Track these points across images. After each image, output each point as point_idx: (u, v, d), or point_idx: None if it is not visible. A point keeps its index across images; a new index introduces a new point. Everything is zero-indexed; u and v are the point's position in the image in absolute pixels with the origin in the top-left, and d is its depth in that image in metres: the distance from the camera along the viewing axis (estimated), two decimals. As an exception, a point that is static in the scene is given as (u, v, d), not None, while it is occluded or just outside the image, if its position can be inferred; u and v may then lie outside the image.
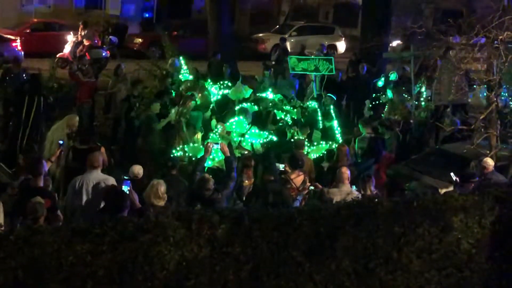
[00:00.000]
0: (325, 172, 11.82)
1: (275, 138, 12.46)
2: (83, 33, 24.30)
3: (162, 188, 8.64)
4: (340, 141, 13.19)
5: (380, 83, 17.51)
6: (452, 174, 10.65)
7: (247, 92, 15.52)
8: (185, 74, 16.54)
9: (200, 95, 14.43)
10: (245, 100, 14.85)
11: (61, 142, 10.71)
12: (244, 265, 6.91)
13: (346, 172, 10.15)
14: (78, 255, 6.18)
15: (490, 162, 10.64)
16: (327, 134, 13.27)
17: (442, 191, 9.69)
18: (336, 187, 10.07)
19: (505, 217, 8.18)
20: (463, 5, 32.11)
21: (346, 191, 9.86)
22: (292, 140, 12.50)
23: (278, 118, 13.76)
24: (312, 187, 9.95)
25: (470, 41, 11.49)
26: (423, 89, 16.63)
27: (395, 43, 26.63)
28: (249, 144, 12.27)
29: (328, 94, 15.68)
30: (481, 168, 10.56)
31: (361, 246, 7.48)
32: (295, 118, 13.90)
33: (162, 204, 8.50)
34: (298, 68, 15.84)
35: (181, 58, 17.01)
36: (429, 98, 16.18)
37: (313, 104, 14.70)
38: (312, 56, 16.63)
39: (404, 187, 11.45)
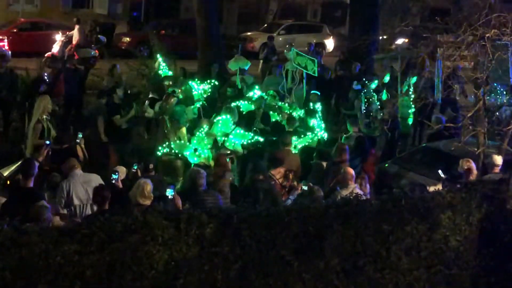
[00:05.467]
0: (328, 170, 11.75)
1: (261, 139, 12.46)
2: (76, 30, 24.42)
3: (148, 187, 8.62)
4: (323, 134, 13.31)
5: (373, 85, 17.47)
6: (440, 171, 10.68)
7: (246, 64, 16.97)
8: (165, 70, 16.47)
9: (180, 90, 14.44)
10: (237, 98, 14.90)
11: (47, 142, 10.66)
12: (232, 264, 6.92)
13: (351, 172, 10.17)
14: (66, 256, 6.16)
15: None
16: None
17: (431, 188, 9.70)
18: (344, 187, 10.01)
19: (492, 214, 8.23)
20: (450, 3, 32.19)
21: (353, 190, 9.81)
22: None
23: (271, 119, 13.77)
24: (305, 187, 9.93)
25: (457, 39, 11.50)
26: (411, 88, 16.69)
27: (400, 40, 26.56)
28: (232, 144, 12.29)
29: (313, 91, 15.69)
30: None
31: (350, 244, 7.50)
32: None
33: (148, 203, 8.48)
34: (296, 62, 15.92)
35: (158, 55, 16.95)
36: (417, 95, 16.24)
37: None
38: (304, 54, 16.67)
39: (392, 185, 11.49)
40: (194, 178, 9.47)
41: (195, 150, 11.92)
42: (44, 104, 11.84)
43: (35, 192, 8.66)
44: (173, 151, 11.89)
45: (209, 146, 12.04)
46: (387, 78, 18.14)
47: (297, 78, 16.39)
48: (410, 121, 16.02)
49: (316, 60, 15.48)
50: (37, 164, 9.49)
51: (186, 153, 11.87)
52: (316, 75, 15.54)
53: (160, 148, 11.99)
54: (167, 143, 12.14)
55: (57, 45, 23.77)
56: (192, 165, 11.36)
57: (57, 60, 17.26)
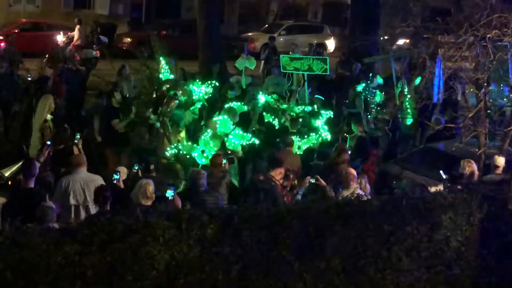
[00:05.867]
0: (324, 170, 11.77)
1: (257, 141, 12.46)
2: (76, 30, 24.47)
3: (150, 188, 8.62)
4: (327, 136, 13.34)
5: (360, 87, 17.45)
6: (441, 172, 10.67)
7: (253, 64, 17.33)
8: (166, 73, 16.45)
9: (181, 92, 14.44)
10: (237, 99, 14.89)
11: (48, 142, 10.67)
12: (233, 264, 6.91)
13: (353, 173, 10.16)
14: (67, 256, 6.16)
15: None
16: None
17: (432, 189, 9.70)
18: (346, 188, 9.99)
19: (493, 215, 8.23)
20: (451, 3, 32.15)
21: (355, 191, 9.78)
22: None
23: (266, 120, 13.75)
24: (313, 180, 9.90)
25: (458, 39, 11.51)
26: (405, 89, 16.71)
27: (401, 41, 26.55)
28: (232, 144, 12.29)
29: (316, 96, 15.71)
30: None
31: (351, 244, 7.49)
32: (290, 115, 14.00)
33: (149, 204, 8.48)
34: (290, 67, 15.87)
35: (161, 58, 16.98)
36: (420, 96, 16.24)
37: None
38: (306, 56, 16.68)
39: (393, 185, 11.50)
40: (195, 178, 9.47)
41: (203, 151, 11.93)
42: (48, 103, 11.85)
43: (36, 193, 8.67)
44: (181, 152, 11.91)
45: (215, 148, 12.04)
46: (380, 79, 18.17)
47: (301, 79, 16.39)
48: (411, 121, 16.03)
49: (327, 58, 15.47)
50: (38, 164, 9.51)
51: (194, 154, 11.86)
52: (328, 73, 15.54)
53: (168, 149, 12.00)
54: (174, 144, 12.14)
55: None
56: (200, 166, 11.37)
57: (58, 61, 17.29)
